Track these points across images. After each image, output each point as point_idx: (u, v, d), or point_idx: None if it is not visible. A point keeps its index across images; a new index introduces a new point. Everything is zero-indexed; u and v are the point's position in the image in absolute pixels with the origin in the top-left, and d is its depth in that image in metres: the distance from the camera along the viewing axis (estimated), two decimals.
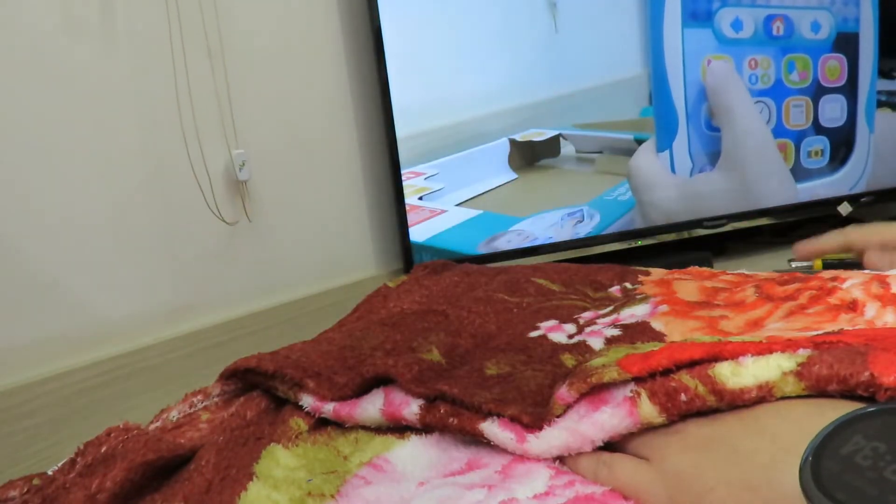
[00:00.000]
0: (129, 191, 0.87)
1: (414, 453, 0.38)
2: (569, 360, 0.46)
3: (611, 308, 0.57)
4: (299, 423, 0.41)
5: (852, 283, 0.51)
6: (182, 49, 0.88)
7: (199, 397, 0.49)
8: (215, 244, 0.95)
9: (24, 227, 0.79)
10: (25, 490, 0.35)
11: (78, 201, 0.83)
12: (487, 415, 0.37)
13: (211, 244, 0.95)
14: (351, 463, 0.38)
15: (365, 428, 0.42)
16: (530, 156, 1.16)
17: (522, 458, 0.37)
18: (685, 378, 0.32)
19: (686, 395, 0.32)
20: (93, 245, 0.84)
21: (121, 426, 0.39)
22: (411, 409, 0.40)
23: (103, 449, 0.36)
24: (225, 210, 0.95)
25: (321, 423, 0.43)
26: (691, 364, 0.33)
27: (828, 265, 0.86)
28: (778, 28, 1.23)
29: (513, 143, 1.15)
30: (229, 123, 0.94)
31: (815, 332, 0.40)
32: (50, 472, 0.38)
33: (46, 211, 0.80)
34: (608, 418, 0.34)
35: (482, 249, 1.13)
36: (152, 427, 0.43)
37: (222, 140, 0.94)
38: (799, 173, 1.26)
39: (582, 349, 0.48)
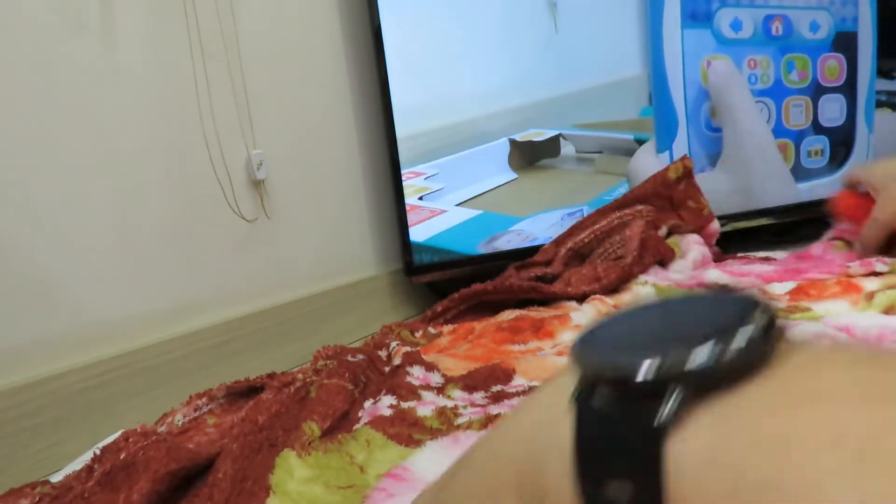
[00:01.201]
0: (145, 192, 0.87)
1: (432, 458, 0.38)
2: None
3: None
4: (312, 428, 0.41)
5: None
6: (201, 52, 0.89)
7: (204, 400, 0.49)
8: (236, 241, 0.96)
9: (30, 228, 0.79)
10: (37, 499, 0.35)
11: (84, 202, 0.82)
12: None
13: (232, 241, 0.96)
14: (369, 476, 0.37)
15: (375, 429, 0.42)
16: (530, 156, 1.16)
17: None
18: None
19: None
20: (96, 245, 0.84)
21: (138, 430, 0.39)
22: None
23: (122, 456, 0.36)
24: (245, 208, 0.96)
25: (332, 429, 0.43)
26: None
27: None
28: (777, 28, 1.23)
29: (513, 143, 1.15)
30: (247, 124, 0.95)
31: None
32: (54, 480, 0.37)
33: (55, 212, 0.80)
34: None
35: (482, 249, 1.13)
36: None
37: (242, 140, 0.95)
38: (799, 173, 1.26)
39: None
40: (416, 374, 0.52)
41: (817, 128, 1.27)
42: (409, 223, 1.09)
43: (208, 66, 0.90)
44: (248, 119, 0.95)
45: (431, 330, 0.67)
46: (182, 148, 0.90)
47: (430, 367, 0.54)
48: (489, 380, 0.51)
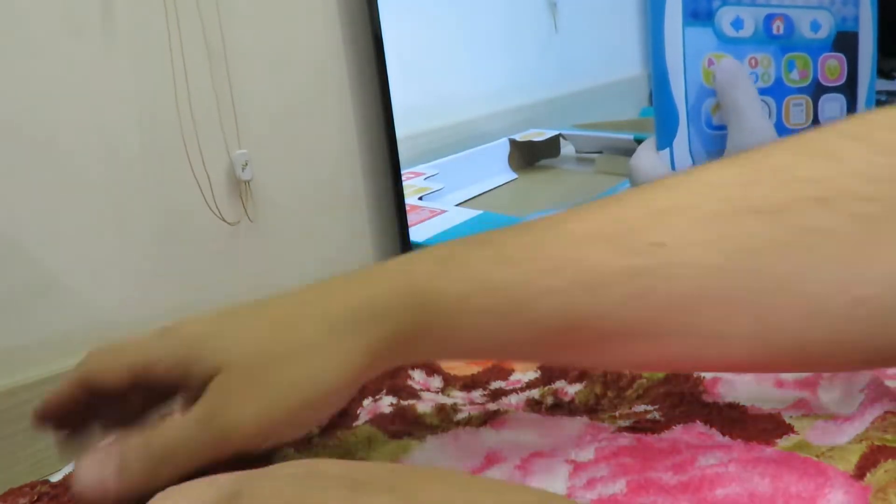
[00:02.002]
0: (129, 191, 0.87)
1: (431, 457, 0.38)
2: None
3: None
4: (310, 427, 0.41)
5: None
6: (181, 50, 0.88)
7: None
8: (216, 245, 0.95)
9: (25, 229, 0.79)
10: (35, 498, 0.35)
11: (78, 203, 0.83)
12: None
13: (212, 245, 0.95)
14: None
15: (376, 427, 0.42)
16: (530, 156, 1.16)
17: (540, 452, 0.37)
18: None
19: None
20: (93, 246, 0.84)
21: None
22: None
23: None
24: (226, 210, 0.95)
25: (331, 427, 0.43)
26: None
27: None
28: (778, 27, 1.23)
29: (513, 143, 1.15)
30: (231, 124, 0.94)
31: None
32: (54, 480, 0.37)
33: (47, 212, 0.80)
34: None
35: None
36: None
37: (223, 140, 0.94)
38: None
39: None
40: (417, 379, 0.53)
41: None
42: (410, 223, 1.09)
43: (189, 62, 0.90)
44: (232, 119, 0.94)
45: None
46: (162, 147, 0.89)
47: (430, 372, 0.54)
48: (488, 375, 0.51)
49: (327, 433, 0.42)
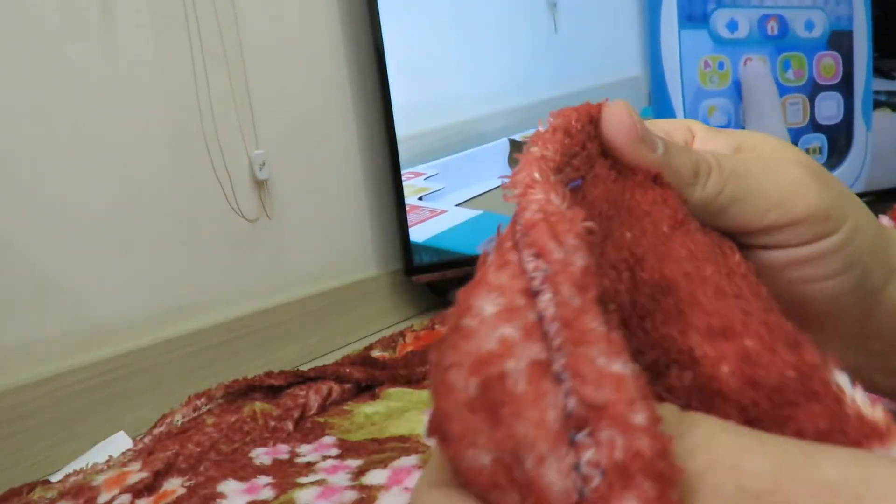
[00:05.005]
0: (151, 189, 0.88)
1: None
2: None
3: None
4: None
5: None
6: (201, 52, 0.89)
7: (203, 400, 0.49)
8: (237, 241, 0.97)
9: (28, 227, 0.79)
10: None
11: (84, 201, 0.83)
12: None
13: (233, 241, 0.96)
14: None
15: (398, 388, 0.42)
16: None
17: None
18: None
19: None
20: (96, 245, 0.84)
21: None
22: None
23: None
24: (246, 208, 0.96)
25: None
26: None
27: None
28: (772, 28, 1.24)
29: (513, 143, 1.15)
30: (249, 125, 0.95)
31: None
32: (54, 480, 0.38)
33: (53, 211, 0.80)
34: None
35: (482, 249, 1.13)
36: (156, 431, 0.44)
37: (242, 141, 0.95)
38: None
39: None
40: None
41: (815, 126, 1.27)
42: (409, 223, 1.09)
43: (209, 67, 0.90)
44: (250, 119, 0.95)
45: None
46: (182, 148, 0.90)
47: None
48: None
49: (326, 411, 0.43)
